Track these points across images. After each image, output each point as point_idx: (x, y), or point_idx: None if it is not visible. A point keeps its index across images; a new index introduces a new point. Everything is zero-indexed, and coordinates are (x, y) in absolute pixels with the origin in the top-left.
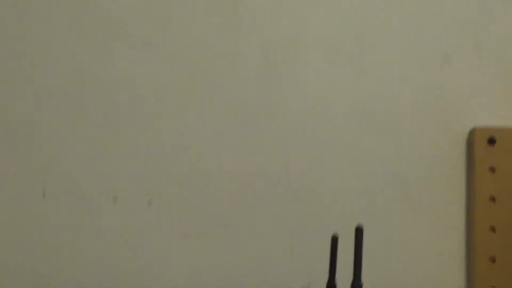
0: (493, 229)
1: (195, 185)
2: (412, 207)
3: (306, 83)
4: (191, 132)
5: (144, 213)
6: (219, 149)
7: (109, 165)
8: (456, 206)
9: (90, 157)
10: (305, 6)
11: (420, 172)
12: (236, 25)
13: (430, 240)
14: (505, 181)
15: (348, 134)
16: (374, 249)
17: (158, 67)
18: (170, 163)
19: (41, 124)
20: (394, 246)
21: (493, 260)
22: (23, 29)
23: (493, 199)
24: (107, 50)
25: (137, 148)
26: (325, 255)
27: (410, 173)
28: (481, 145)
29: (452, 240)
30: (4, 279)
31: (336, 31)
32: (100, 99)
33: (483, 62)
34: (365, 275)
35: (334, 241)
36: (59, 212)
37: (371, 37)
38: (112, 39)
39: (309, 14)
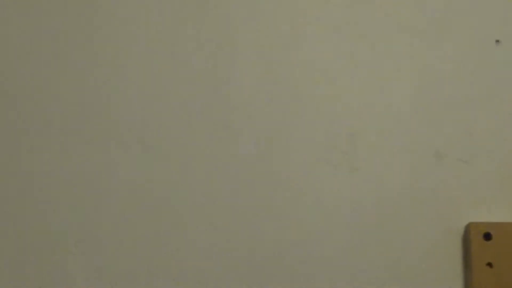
0: None
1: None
2: None
3: (299, 176)
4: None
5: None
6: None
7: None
8: None
9: None
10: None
11: (416, 267)
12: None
13: None
14: (503, 276)
15: (343, 227)
16: None
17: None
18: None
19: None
20: None
21: None
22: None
23: None
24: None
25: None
26: None
27: (405, 269)
28: (477, 240)
29: None
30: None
31: (331, 130)
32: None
33: (477, 157)
34: None
35: None
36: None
37: (364, 135)
38: None
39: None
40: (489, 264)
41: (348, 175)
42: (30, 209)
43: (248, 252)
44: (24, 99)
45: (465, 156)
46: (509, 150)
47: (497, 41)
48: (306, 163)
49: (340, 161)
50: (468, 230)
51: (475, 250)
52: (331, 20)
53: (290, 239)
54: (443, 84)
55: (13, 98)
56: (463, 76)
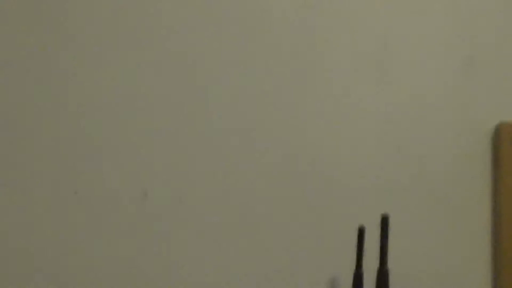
0: None
1: (221, 183)
2: (437, 203)
3: (334, 83)
4: (217, 131)
5: (174, 210)
6: (245, 144)
7: (139, 162)
8: (482, 203)
9: (121, 154)
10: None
11: (445, 168)
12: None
13: (455, 237)
14: None
15: (376, 130)
16: (399, 241)
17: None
18: (199, 160)
19: (72, 123)
20: (418, 241)
21: None
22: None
23: None
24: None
25: (167, 145)
26: (352, 246)
27: (435, 170)
28: (507, 141)
29: (477, 237)
30: (36, 271)
31: (363, 39)
32: (127, 97)
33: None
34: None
35: (361, 232)
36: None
37: (396, 43)
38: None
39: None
40: None
41: (381, 84)
42: None
43: (287, 158)
44: None
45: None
46: None
47: None
48: (342, 75)
49: (372, 71)
50: (498, 131)
51: (504, 151)
52: None
53: (322, 142)
54: None
55: None
56: None
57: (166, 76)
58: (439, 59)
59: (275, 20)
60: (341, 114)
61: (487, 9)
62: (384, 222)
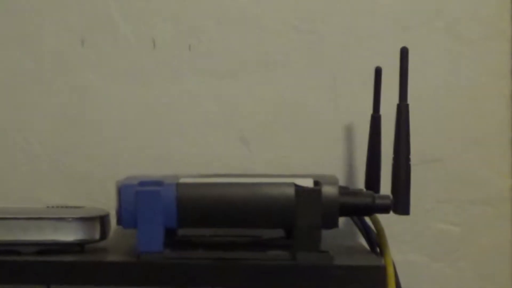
0: None
1: (233, 24)
2: (457, 40)
3: None
4: None
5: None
6: None
7: (147, 8)
8: (503, 40)
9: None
10: None
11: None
12: None
13: (475, 75)
14: None
15: None
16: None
17: None
18: (210, 5)
19: None
20: (437, 76)
21: None
22: None
23: None
24: None
25: None
26: (369, 88)
27: (455, 7)
28: None
29: (498, 76)
30: (42, 125)
31: None
32: None
33: None
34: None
35: (378, 73)
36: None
37: None
38: None
39: None
40: None
41: None
42: None
43: None
44: None
45: None
46: None
47: None
48: None
49: None
50: None
51: None
52: None
53: None
54: None
55: None
56: None
57: None
58: None
59: None
60: None
61: None
62: (403, 55)
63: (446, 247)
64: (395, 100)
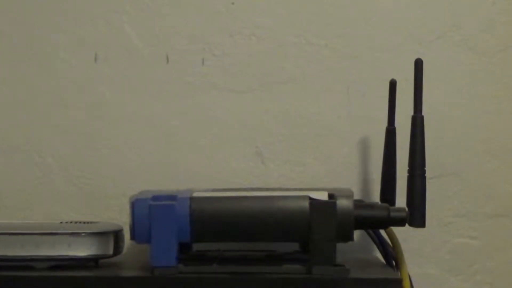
0: None
1: (246, 39)
2: (473, 53)
3: None
4: None
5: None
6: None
7: (161, 23)
8: None
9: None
10: None
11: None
12: None
13: (490, 87)
14: None
15: None
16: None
17: None
18: (224, 18)
19: None
20: (453, 89)
21: None
22: None
23: None
24: None
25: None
26: (384, 100)
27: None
28: None
29: None
30: (56, 140)
31: None
32: None
33: None
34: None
35: (392, 86)
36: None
37: None
38: None
39: None
40: None
41: None
42: None
43: None
44: None
45: None
46: None
47: None
48: None
49: None
50: None
51: None
52: None
53: None
54: None
55: None
56: None
57: None
58: None
59: None
60: None
61: None
62: (418, 66)
63: (463, 261)
64: (410, 112)
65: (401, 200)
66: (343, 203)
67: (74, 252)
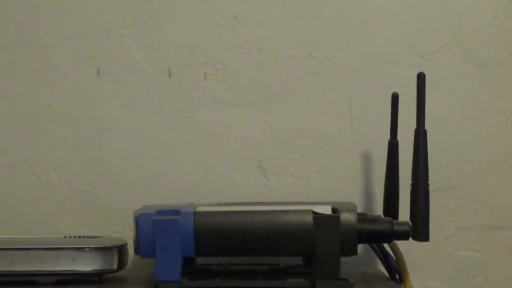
0: None
1: (248, 52)
2: (474, 65)
3: None
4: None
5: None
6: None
7: (163, 37)
8: None
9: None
10: None
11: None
12: None
13: (492, 100)
14: None
15: None
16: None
17: None
18: (226, 32)
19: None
20: (454, 101)
21: None
22: None
23: None
24: None
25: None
26: (386, 114)
27: (472, 32)
28: None
29: None
30: (58, 154)
31: None
32: None
33: None
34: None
35: (395, 99)
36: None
37: None
38: None
39: None
40: None
41: None
42: None
43: None
44: None
45: None
46: None
47: None
48: None
49: None
50: None
51: None
52: None
53: None
54: None
55: None
56: None
57: None
58: None
59: None
60: None
61: None
62: (421, 81)
63: (466, 273)
64: (413, 126)
65: (404, 214)
66: (346, 217)
67: (79, 267)
